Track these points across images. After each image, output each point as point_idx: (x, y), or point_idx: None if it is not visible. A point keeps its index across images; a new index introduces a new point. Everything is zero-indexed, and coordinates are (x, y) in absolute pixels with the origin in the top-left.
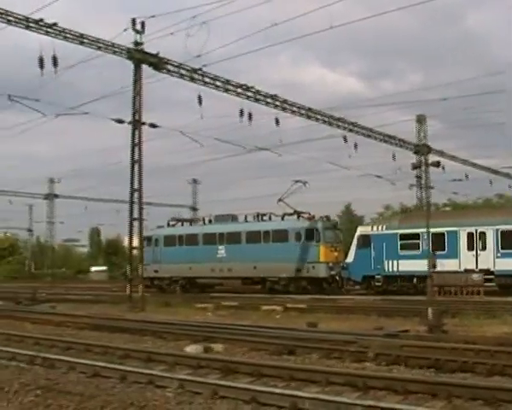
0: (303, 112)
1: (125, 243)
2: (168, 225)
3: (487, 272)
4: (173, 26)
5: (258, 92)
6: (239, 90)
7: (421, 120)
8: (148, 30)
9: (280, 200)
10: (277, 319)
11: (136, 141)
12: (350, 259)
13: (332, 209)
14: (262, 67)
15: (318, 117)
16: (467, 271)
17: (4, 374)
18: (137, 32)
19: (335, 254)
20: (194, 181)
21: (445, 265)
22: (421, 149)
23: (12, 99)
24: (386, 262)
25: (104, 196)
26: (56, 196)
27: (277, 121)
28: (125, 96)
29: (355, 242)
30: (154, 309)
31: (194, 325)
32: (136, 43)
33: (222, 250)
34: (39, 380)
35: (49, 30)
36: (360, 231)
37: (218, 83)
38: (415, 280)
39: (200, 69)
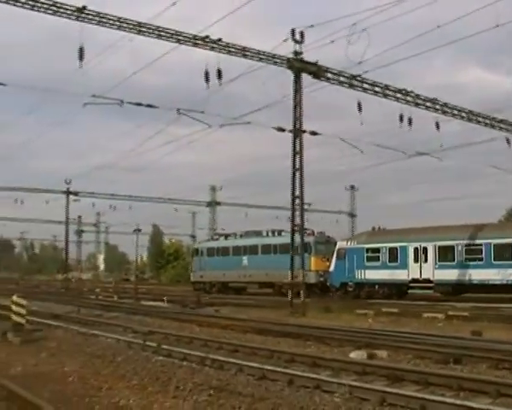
0: (463, 115)
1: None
2: (212, 238)
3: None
4: (332, 34)
5: (417, 96)
6: (398, 95)
7: None
8: (307, 40)
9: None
10: (440, 326)
11: (298, 149)
12: (331, 268)
13: (492, 214)
14: (417, 70)
15: (479, 119)
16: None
17: (179, 373)
18: (297, 42)
19: (326, 263)
20: (352, 187)
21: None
22: None
23: (180, 112)
24: (356, 271)
25: (264, 203)
26: (218, 203)
27: (438, 125)
28: (285, 105)
29: (335, 254)
30: (314, 315)
31: (357, 331)
32: (296, 53)
33: (245, 260)
34: (211, 380)
35: (214, 45)
36: (339, 245)
37: (376, 88)
38: (377, 287)
39: (358, 75)
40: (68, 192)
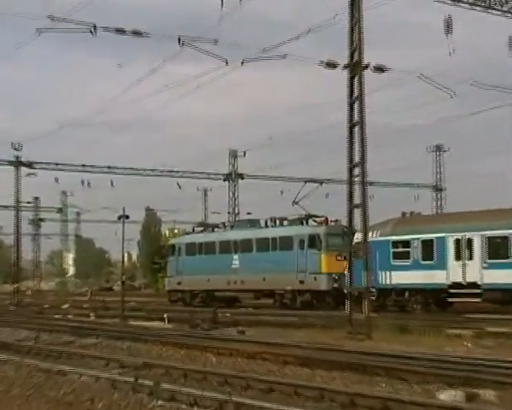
0: None
1: None
2: (193, 231)
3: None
4: None
5: None
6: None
7: None
8: None
9: (295, 202)
10: None
11: (356, 93)
12: (347, 269)
13: None
14: None
15: None
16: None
17: None
18: None
19: (342, 263)
20: (438, 148)
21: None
22: None
23: (183, 43)
24: (380, 273)
25: (307, 175)
26: (240, 175)
27: None
28: (336, 31)
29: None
30: (384, 336)
31: (448, 360)
32: None
33: (236, 260)
34: None
35: None
36: (356, 237)
37: None
38: (407, 294)
39: None
40: (18, 163)
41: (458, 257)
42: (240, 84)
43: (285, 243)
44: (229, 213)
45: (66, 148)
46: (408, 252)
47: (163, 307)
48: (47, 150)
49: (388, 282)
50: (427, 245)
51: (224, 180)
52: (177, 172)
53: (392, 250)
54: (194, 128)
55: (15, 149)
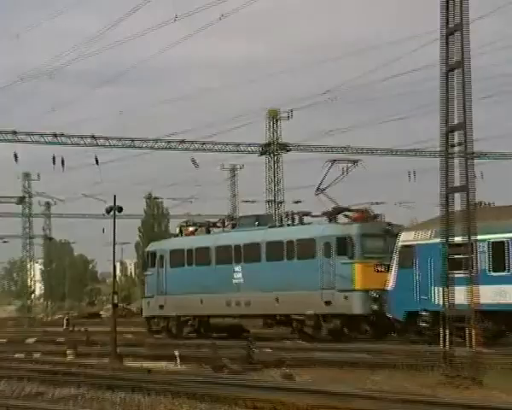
0: None
1: None
2: (180, 232)
3: None
4: None
5: None
6: None
7: None
8: None
9: (319, 190)
10: None
11: (456, 21)
12: (390, 284)
13: None
14: None
15: None
16: None
17: None
18: None
19: (383, 276)
20: None
21: None
22: None
23: None
24: (433, 290)
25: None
26: (286, 147)
27: None
28: None
29: (396, 256)
30: (499, 382)
31: None
32: None
33: (238, 273)
34: None
35: None
36: (403, 238)
37: None
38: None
39: None
40: None
41: None
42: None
43: (305, 249)
44: (268, 202)
45: (29, 110)
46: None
47: (172, 340)
48: (1, 115)
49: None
50: (498, 250)
51: (262, 154)
52: (192, 142)
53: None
54: (213, 79)
55: None
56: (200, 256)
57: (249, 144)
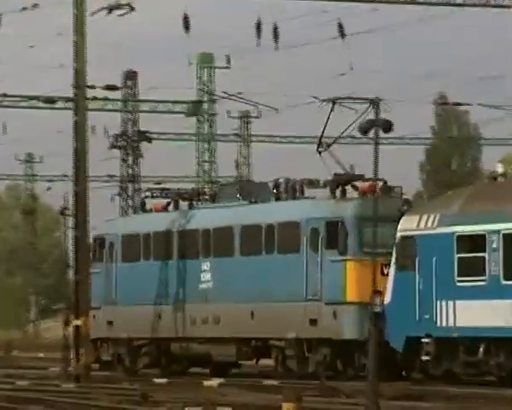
0: None
1: None
2: (142, 206)
3: None
4: None
5: None
6: None
7: None
8: None
9: (320, 146)
10: None
11: None
12: (387, 296)
13: None
14: None
15: None
16: None
17: None
18: None
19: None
20: None
21: None
22: None
23: None
24: (438, 305)
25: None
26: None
27: None
28: None
29: (393, 255)
30: None
31: None
32: None
33: (207, 274)
34: None
35: None
36: (402, 226)
37: None
38: (482, 348)
39: None
40: None
41: None
42: None
43: (286, 238)
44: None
45: None
46: (482, 260)
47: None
48: None
49: (452, 324)
50: None
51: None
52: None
53: (456, 256)
54: None
55: None
56: (158, 246)
57: None
